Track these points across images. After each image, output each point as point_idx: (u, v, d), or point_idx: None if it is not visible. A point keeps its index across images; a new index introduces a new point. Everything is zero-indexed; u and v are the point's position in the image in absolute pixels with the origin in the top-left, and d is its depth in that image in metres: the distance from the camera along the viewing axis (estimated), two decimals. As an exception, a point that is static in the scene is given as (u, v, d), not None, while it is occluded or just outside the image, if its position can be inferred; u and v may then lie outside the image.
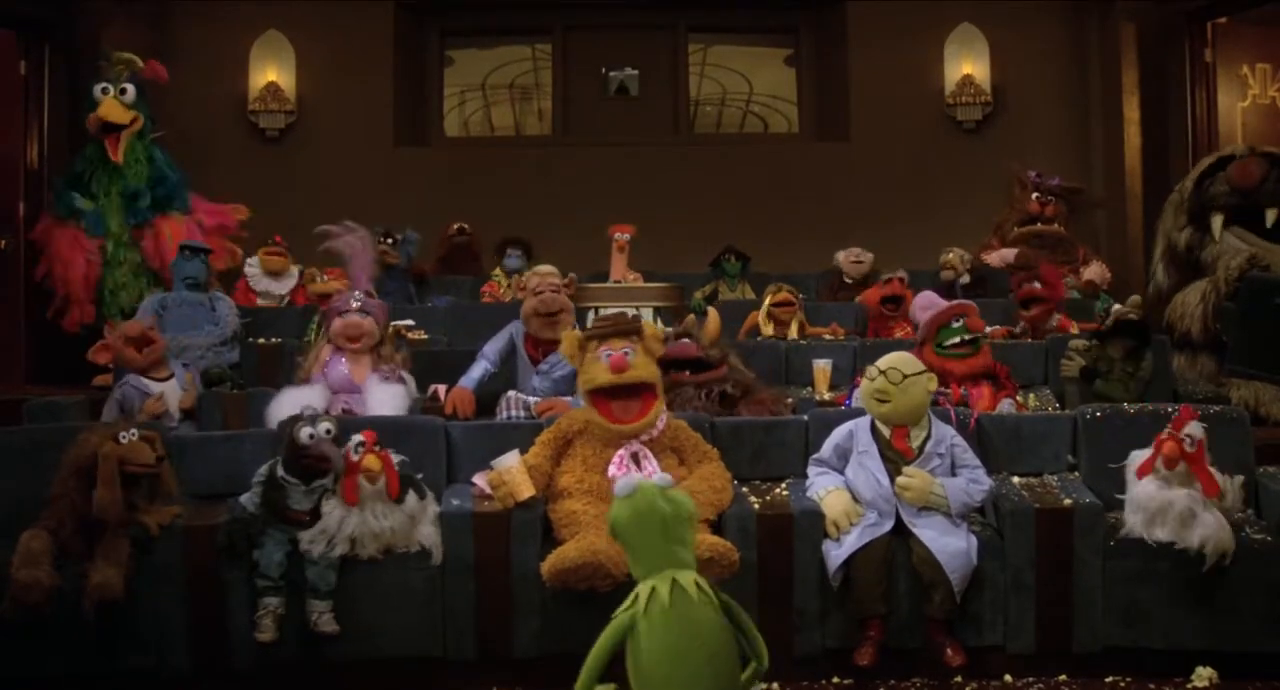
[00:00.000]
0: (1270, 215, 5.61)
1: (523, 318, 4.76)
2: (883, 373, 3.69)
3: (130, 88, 6.28)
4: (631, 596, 2.84)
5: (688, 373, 4.42)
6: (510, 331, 4.82)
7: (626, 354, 3.72)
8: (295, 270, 6.44)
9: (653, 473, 3.66)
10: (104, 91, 6.22)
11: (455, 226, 7.41)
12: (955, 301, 4.77)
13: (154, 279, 6.13)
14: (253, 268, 6.33)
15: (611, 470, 3.67)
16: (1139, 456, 3.71)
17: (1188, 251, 5.83)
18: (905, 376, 3.66)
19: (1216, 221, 5.71)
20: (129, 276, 6.12)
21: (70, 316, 6.11)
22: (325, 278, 6.27)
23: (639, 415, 3.72)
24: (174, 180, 6.32)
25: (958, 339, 4.58)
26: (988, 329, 4.72)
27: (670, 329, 4.61)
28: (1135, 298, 4.88)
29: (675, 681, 2.73)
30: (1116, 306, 4.96)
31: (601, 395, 3.73)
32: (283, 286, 6.34)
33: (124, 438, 3.54)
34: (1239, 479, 3.76)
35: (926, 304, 4.82)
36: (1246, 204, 5.66)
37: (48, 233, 6.16)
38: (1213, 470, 3.64)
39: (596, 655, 2.77)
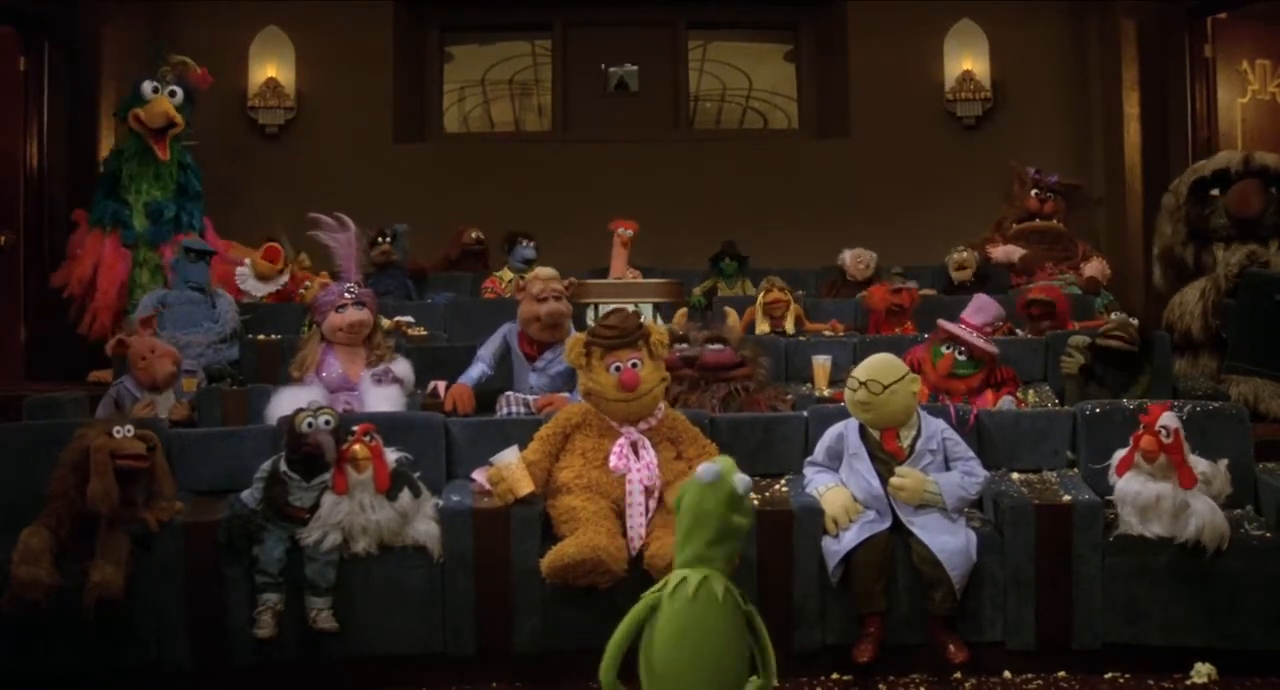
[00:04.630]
0: (1273, 246, 5.64)
1: (521, 320, 4.69)
2: (863, 384, 3.66)
3: (179, 91, 6.19)
4: (661, 581, 2.84)
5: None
6: (503, 333, 4.77)
7: (635, 366, 3.68)
8: (285, 275, 6.42)
9: (650, 462, 3.68)
10: (154, 90, 6.09)
11: (473, 236, 7.40)
12: (955, 328, 4.56)
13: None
14: (243, 269, 6.29)
15: (612, 460, 3.67)
16: (1119, 455, 3.71)
17: (1196, 268, 5.84)
18: (885, 386, 3.63)
19: (1219, 250, 5.74)
20: (149, 277, 6.01)
21: (98, 322, 5.91)
22: (312, 282, 6.25)
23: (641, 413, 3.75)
24: (196, 190, 6.24)
25: (949, 363, 4.47)
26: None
27: (704, 332, 4.60)
28: (1121, 318, 4.77)
29: (678, 671, 2.75)
30: (1109, 320, 4.83)
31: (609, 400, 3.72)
32: (265, 289, 6.31)
33: (118, 433, 3.54)
34: (1223, 463, 3.74)
35: (980, 306, 4.69)
36: (1247, 232, 5.70)
37: (93, 241, 5.99)
38: (1195, 457, 3.65)
39: (621, 635, 2.77)
